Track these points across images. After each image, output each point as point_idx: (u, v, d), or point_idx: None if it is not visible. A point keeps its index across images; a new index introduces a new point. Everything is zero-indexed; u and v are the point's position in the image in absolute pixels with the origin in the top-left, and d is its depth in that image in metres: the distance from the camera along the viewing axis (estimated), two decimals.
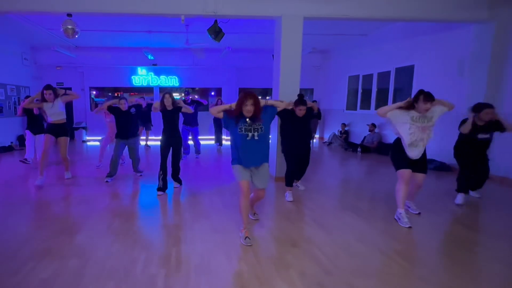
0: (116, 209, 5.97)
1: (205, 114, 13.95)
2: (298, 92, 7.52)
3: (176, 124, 6.98)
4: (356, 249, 4.35)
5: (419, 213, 5.68)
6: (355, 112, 14.39)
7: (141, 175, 8.38)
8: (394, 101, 11.78)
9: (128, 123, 7.96)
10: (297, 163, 6.63)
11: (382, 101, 12.63)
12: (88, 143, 15.54)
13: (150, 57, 14.07)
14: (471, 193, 6.63)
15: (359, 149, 12.62)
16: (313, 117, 6.79)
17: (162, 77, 16.62)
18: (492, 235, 4.90)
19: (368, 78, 13.43)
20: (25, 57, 14.45)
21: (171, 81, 16.71)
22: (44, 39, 13.08)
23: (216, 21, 7.73)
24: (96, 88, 17.17)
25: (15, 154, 12.09)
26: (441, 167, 9.24)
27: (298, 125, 6.43)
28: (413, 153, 5.22)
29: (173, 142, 6.93)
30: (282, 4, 7.49)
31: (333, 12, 7.62)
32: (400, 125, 5.18)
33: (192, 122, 10.68)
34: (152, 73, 16.54)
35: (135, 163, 8.27)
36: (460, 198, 6.32)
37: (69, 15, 7.34)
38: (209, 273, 3.67)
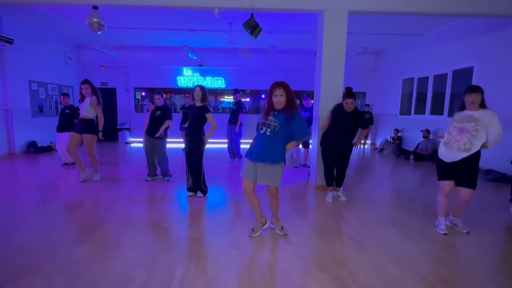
0: (130, 218, 5.47)
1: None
2: (341, 94, 6.98)
3: (201, 124, 6.47)
4: (393, 275, 3.65)
5: (468, 232, 4.95)
6: (409, 117, 13.56)
7: (168, 180, 8.00)
8: (450, 107, 11.03)
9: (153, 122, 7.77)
10: (333, 161, 6.45)
11: (438, 106, 11.78)
12: (132, 145, 15.39)
13: (191, 56, 13.74)
14: None
15: (412, 157, 11.76)
16: (362, 118, 6.30)
17: (208, 78, 16.33)
18: None
19: (423, 81, 12.60)
20: (69, 56, 14.46)
21: (217, 82, 16.38)
22: (86, 37, 13.02)
23: (252, 14, 7.20)
24: (142, 89, 17.01)
25: (54, 154, 11.97)
26: (501, 179, 8.32)
27: (343, 121, 6.19)
28: (447, 154, 4.75)
29: (193, 142, 6.46)
30: None
31: (381, 6, 6.95)
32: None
33: (234, 121, 10.33)
34: (197, 74, 16.30)
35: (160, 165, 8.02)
36: None
37: (95, 7, 7.00)
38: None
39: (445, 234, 4.79)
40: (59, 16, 9.78)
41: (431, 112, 12.19)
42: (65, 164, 9.64)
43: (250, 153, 4.52)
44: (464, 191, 4.76)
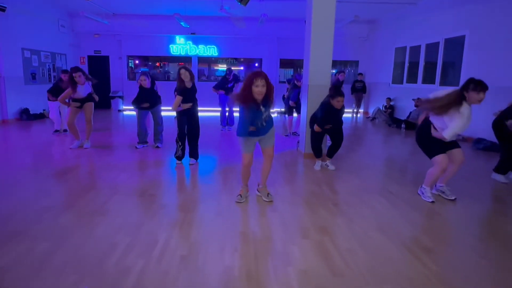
0: (119, 184, 5.45)
1: None
2: (331, 63, 6.93)
3: (195, 100, 6.56)
4: (377, 243, 3.64)
5: (455, 199, 4.94)
6: (401, 86, 13.53)
7: (158, 147, 8.07)
8: (442, 75, 11.02)
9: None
10: (322, 139, 6.59)
11: (429, 75, 11.73)
12: (124, 112, 15.34)
13: (182, 24, 13.58)
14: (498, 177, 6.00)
15: (403, 125, 11.73)
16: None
17: (201, 46, 16.23)
18: None
19: (415, 50, 12.53)
20: (62, 24, 14.28)
21: (210, 50, 16.29)
22: (79, 5, 12.81)
23: None
24: (135, 57, 16.87)
25: (46, 122, 11.91)
26: (491, 147, 8.33)
27: (335, 117, 6.32)
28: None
29: (196, 112, 6.59)
30: None
31: None
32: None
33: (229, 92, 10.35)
34: (190, 42, 16.19)
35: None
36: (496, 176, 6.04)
37: None
38: (194, 268, 3.08)
39: (433, 202, 4.79)
40: None
41: (423, 81, 12.15)
42: (57, 131, 9.66)
43: (256, 132, 4.51)
44: (458, 152, 4.78)
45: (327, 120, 6.22)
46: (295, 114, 9.72)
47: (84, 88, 7.61)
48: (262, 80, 4.21)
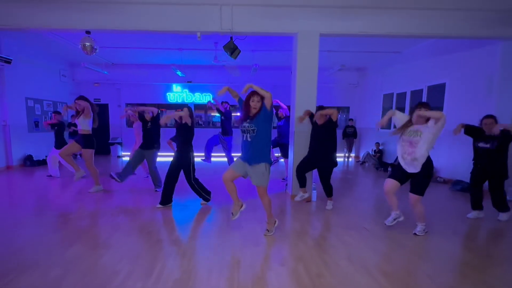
0: (119, 223, 6.07)
1: None
2: (315, 109, 7.58)
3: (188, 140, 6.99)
4: (343, 268, 4.30)
5: (415, 234, 5.58)
6: (389, 131, 14.02)
7: (157, 191, 8.42)
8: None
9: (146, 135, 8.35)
10: (308, 167, 7.15)
11: None
12: (124, 158, 15.93)
13: (179, 73, 14.32)
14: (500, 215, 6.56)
15: (389, 169, 12.34)
16: (335, 126, 6.85)
17: (197, 94, 16.91)
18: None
19: (401, 96, 13.23)
20: (63, 74, 15.08)
21: (206, 98, 16.88)
22: (79, 56, 13.59)
23: (231, 38, 7.85)
24: (132, 105, 17.53)
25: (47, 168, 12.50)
26: (468, 189, 8.82)
27: (317, 133, 6.93)
28: (403, 165, 5.39)
29: (180, 158, 6.96)
30: (297, 21, 7.57)
31: (350, 28, 7.62)
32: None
33: (227, 131, 10.91)
34: (187, 90, 16.90)
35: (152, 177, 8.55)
36: (471, 214, 6.68)
37: (87, 32, 7.63)
38: (187, 287, 3.73)
39: (388, 225, 5.70)
40: (55, 37, 10.40)
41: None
42: (49, 176, 10.36)
43: (241, 156, 5.18)
44: (411, 196, 5.43)
45: (312, 133, 7.08)
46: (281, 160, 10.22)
47: (80, 120, 7.98)
48: (258, 97, 4.96)
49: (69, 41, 11.05)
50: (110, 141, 16.42)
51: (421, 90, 11.94)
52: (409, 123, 5.31)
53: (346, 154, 16.50)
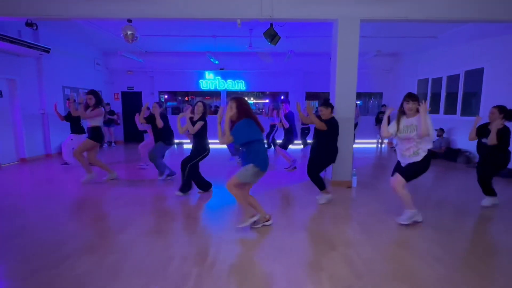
0: (162, 210, 6.19)
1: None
2: (355, 96, 7.53)
3: (202, 136, 6.87)
4: (395, 253, 4.32)
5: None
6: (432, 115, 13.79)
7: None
8: (463, 106, 11.56)
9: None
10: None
11: (451, 105, 12.30)
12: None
13: (214, 61, 14.41)
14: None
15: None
16: (334, 126, 6.41)
17: (229, 81, 16.96)
18: None
19: (437, 81, 13.09)
20: (97, 62, 15.29)
21: (238, 85, 17.03)
22: (114, 44, 13.79)
23: (272, 24, 7.83)
24: (166, 92, 17.82)
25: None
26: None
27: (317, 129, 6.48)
28: (402, 161, 5.33)
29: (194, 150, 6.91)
30: (338, 7, 7.50)
31: (391, 14, 7.51)
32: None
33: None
34: (219, 77, 16.94)
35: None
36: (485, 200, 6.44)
37: (129, 20, 7.73)
38: (241, 272, 3.78)
39: (401, 224, 5.32)
40: (91, 26, 10.52)
41: (445, 112, 12.66)
42: (65, 163, 10.37)
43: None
44: (396, 176, 5.27)
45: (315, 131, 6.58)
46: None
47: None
48: (233, 104, 4.83)
49: (104, 30, 11.17)
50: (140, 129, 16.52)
51: (458, 75, 11.79)
52: (400, 117, 5.21)
53: (379, 140, 16.35)
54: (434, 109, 13.25)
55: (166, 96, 17.97)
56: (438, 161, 11.50)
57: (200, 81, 16.97)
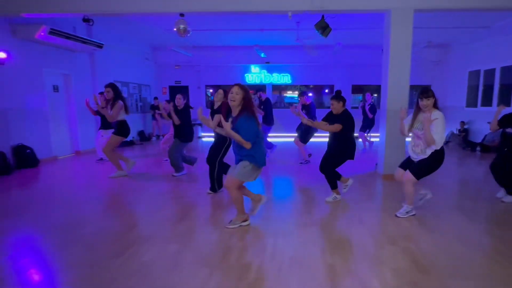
0: (218, 202, 6.20)
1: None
2: (408, 89, 7.36)
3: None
4: (456, 249, 4.15)
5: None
6: (476, 109, 13.48)
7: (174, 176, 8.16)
8: None
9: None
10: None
11: (506, 97, 11.80)
12: (203, 139, 16.25)
13: (262, 54, 14.39)
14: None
15: (478, 148, 11.87)
16: (340, 117, 5.94)
17: (275, 74, 16.92)
18: None
19: (490, 73, 12.58)
20: (146, 57, 15.53)
21: (284, 78, 16.96)
22: (163, 40, 14.03)
23: (323, 16, 7.72)
24: (211, 86, 17.93)
25: (135, 148, 13.17)
26: None
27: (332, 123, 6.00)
28: (412, 155, 5.18)
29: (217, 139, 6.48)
30: None
31: (445, 3, 7.28)
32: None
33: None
34: (265, 71, 16.93)
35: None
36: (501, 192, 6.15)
37: (181, 15, 7.76)
38: (302, 264, 3.73)
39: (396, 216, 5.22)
40: (141, 21, 10.70)
41: (498, 104, 12.11)
42: (101, 159, 10.15)
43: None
44: (406, 174, 5.10)
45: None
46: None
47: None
48: (236, 88, 4.41)
49: (154, 25, 11.33)
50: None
51: None
52: (418, 112, 5.03)
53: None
54: (486, 102, 12.83)
55: (211, 90, 18.04)
56: (491, 155, 11.05)
57: (245, 74, 17.02)
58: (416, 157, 5.08)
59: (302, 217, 5.35)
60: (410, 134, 5.19)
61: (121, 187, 7.38)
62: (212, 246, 4.26)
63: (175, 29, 7.93)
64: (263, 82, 16.96)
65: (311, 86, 17.93)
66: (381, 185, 7.38)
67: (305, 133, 9.27)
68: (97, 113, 9.56)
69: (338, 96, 5.94)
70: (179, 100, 7.90)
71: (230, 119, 4.57)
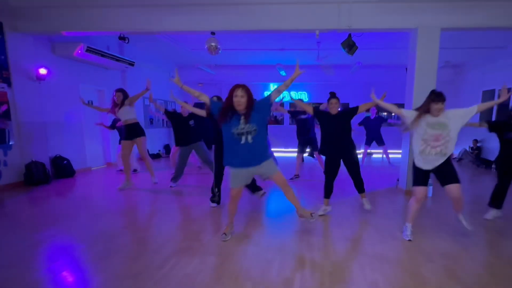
0: (247, 214, 5.98)
1: None
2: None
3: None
4: (502, 269, 3.86)
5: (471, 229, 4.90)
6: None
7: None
8: None
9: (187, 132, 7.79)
10: (335, 172, 5.93)
11: None
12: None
13: (282, 73, 14.27)
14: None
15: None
16: (350, 110, 5.86)
17: (292, 92, 16.60)
18: None
19: None
20: (172, 75, 15.45)
21: (301, 96, 16.83)
22: (187, 58, 14.05)
23: (350, 34, 7.55)
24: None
25: (161, 160, 13.00)
26: None
27: (333, 124, 5.81)
28: (425, 163, 4.60)
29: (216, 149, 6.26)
30: (418, 16, 7.11)
31: (472, 22, 7.06)
32: (416, 129, 4.63)
33: None
34: None
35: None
36: (490, 213, 5.78)
37: (212, 33, 7.69)
38: (344, 281, 3.52)
39: (410, 240, 4.68)
40: (169, 40, 10.66)
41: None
42: (121, 170, 9.86)
43: (238, 163, 4.36)
44: (452, 188, 4.55)
45: (324, 129, 5.96)
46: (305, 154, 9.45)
47: (125, 111, 7.57)
48: (242, 91, 4.20)
49: (180, 44, 11.30)
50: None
51: None
52: (422, 114, 4.60)
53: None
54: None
55: None
56: None
57: (265, 92, 16.87)
58: (433, 163, 4.56)
59: (333, 231, 5.11)
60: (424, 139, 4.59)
61: (151, 198, 7.23)
62: (251, 258, 4.07)
63: (206, 47, 7.84)
64: (283, 99, 16.68)
65: (325, 104, 17.70)
66: (405, 200, 7.04)
67: (313, 142, 8.90)
68: (111, 127, 9.73)
69: (335, 95, 5.91)
70: (183, 109, 7.82)
71: (241, 117, 4.20)
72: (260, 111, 4.29)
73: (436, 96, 4.48)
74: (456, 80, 15.81)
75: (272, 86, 16.74)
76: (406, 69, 7.95)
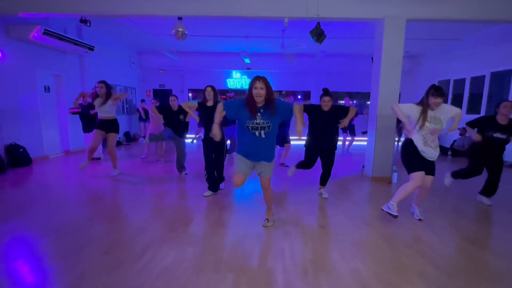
0: (219, 202, 5.85)
1: None
2: (398, 96, 7.22)
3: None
4: (473, 252, 3.94)
5: (420, 219, 5.06)
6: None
7: (186, 174, 8.08)
8: (487, 106, 11.19)
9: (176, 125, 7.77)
10: (321, 163, 6.12)
11: (474, 105, 11.90)
12: (186, 140, 15.80)
13: (247, 60, 14.15)
14: (484, 200, 6.03)
15: (449, 153, 11.92)
16: (341, 108, 5.92)
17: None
18: None
19: (459, 82, 12.68)
20: (132, 61, 15.08)
21: None
22: (148, 44, 13.70)
23: (318, 23, 7.49)
24: (193, 90, 17.56)
25: (122, 148, 12.60)
26: None
27: (324, 120, 5.80)
28: (430, 153, 4.73)
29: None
30: (385, 6, 7.14)
31: (436, 13, 7.14)
32: (414, 121, 4.76)
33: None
34: (245, 77, 16.80)
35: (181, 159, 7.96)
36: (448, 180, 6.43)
37: (179, 18, 7.43)
38: (326, 269, 3.46)
39: (396, 216, 4.69)
40: (130, 25, 10.33)
41: (467, 112, 12.22)
42: (97, 159, 9.76)
43: (247, 155, 4.38)
44: (429, 179, 4.81)
45: (312, 123, 5.92)
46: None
47: (108, 108, 7.47)
48: (261, 83, 4.08)
49: (141, 29, 11.01)
50: None
51: (483, 77, 11.35)
52: (425, 110, 4.68)
53: (396, 139, 15.98)
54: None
55: (190, 95, 17.55)
56: (461, 159, 11.09)
57: (227, 80, 16.87)
58: (432, 155, 4.72)
59: (307, 219, 5.05)
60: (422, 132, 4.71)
61: (115, 187, 6.93)
62: (230, 249, 3.94)
63: (173, 32, 7.58)
64: (244, 87, 16.80)
65: (283, 92, 17.72)
66: (372, 186, 7.17)
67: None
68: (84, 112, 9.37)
69: (328, 92, 5.85)
70: (174, 102, 7.75)
71: (261, 110, 4.16)
72: (280, 112, 4.24)
73: (435, 91, 4.56)
74: (413, 69, 16.18)
75: (235, 74, 16.73)
76: (372, 58, 7.96)
